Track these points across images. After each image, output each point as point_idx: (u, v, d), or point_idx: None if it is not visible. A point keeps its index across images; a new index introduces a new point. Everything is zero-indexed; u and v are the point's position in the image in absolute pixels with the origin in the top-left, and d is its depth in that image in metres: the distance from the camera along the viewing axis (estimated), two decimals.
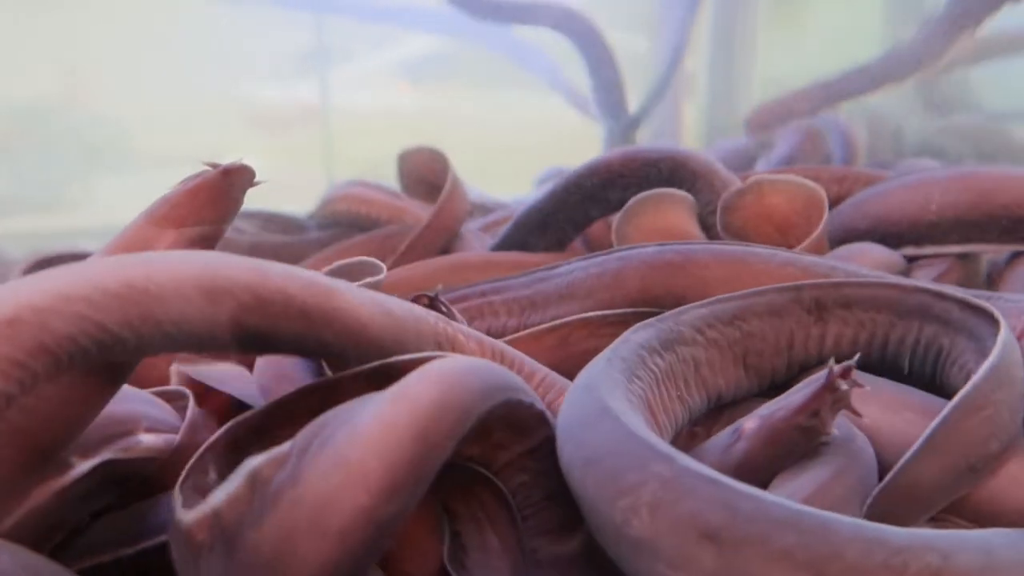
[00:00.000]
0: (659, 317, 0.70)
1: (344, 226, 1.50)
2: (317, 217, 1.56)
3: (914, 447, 0.58)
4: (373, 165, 1.71)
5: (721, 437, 0.65)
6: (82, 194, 2.14)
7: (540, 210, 1.19)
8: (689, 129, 2.61)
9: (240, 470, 0.47)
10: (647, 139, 2.40)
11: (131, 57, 2.00)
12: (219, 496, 0.47)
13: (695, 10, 2.33)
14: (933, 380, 0.71)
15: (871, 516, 0.58)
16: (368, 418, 0.47)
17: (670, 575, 0.47)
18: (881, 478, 0.60)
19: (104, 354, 0.50)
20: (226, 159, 0.66)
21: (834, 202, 1.13)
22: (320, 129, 2.35)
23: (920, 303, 0.72)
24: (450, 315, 0.78)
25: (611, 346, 0.66)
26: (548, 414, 0.59)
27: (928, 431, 0.58)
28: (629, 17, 2.59)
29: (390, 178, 1.54)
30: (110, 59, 1.99)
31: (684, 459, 0.50)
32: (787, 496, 0.55)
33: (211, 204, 0.66)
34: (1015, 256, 1.02)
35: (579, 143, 2.26)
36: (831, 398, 0.59)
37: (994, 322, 0.66)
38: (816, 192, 1.03)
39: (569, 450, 0.55)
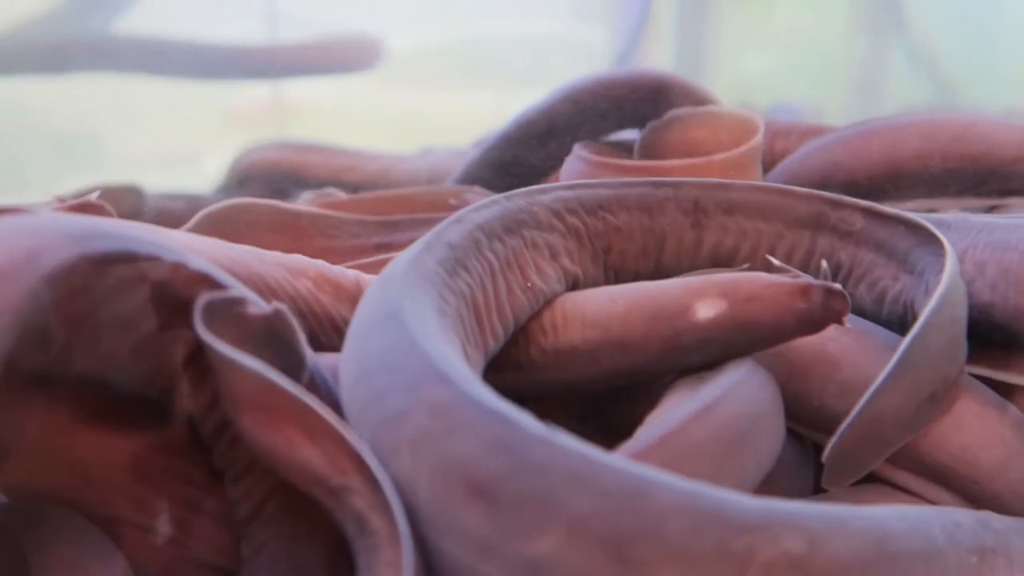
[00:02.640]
0: (509, 194, 0.59)
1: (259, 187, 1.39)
2: (226, 182, 1.45)
3: (881, 376, 0.49)
4: None
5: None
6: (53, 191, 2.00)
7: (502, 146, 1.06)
8: None
9: None
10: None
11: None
12: None
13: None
14: None
15: (832, 458, 0.49)
16: None
17: (431, 538, 0.34)
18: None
19: None
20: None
21: (779, 159, 0.98)
22: (295, 127, 2.22)
23: (813, 211, 0.63)
24: None
25: (438, 227, 0.53)
26: (219, 275, 0.44)
27: (897, 356, 0.49)
28: (586, 7, 2.48)
29: None
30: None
31: (470, 381, 0.37)
32: (656, 429, 0.44)
33: None
34: (989, 211, 0.86)
35: None
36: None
37: (915, 232, 0.57)
38: (747, 118, 0.89)
39: (344, 363, 0.44)
